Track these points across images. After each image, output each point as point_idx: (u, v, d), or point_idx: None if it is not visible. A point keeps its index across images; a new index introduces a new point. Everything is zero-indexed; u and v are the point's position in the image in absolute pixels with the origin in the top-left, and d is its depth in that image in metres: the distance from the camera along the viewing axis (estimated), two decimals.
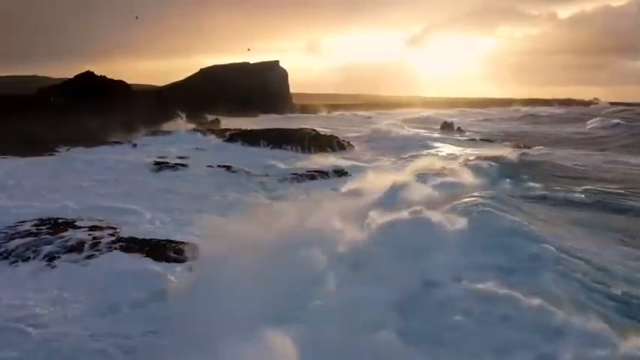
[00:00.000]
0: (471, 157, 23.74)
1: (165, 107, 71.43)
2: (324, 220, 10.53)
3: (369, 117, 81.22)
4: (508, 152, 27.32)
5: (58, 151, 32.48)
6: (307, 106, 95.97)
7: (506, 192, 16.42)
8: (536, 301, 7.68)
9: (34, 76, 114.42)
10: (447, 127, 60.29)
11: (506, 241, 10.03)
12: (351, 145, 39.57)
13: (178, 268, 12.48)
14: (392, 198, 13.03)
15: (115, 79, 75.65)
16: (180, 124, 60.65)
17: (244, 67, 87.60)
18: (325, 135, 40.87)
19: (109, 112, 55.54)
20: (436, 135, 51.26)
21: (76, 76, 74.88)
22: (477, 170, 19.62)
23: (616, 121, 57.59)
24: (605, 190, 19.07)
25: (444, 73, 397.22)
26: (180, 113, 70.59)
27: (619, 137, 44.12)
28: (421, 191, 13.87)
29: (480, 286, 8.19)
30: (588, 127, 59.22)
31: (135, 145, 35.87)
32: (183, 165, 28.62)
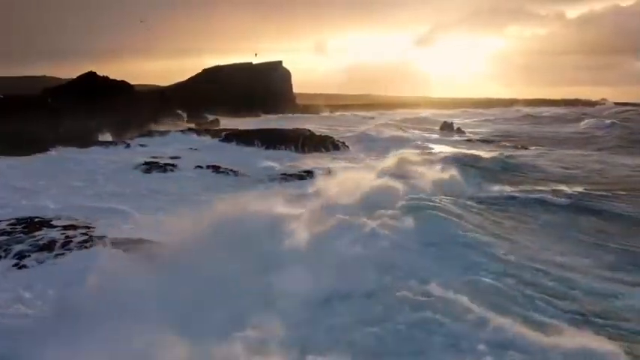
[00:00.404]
0: (450, 158, 23.65)
1: (167, 107, 71.91)
2: (255, 221, 10.62)
3: (372, 117, 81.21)
4: (495, 153, 27.26)
5: (50, 151, 32.64)
6: (310, 106, 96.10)
7: (469, 194, 16.36)
8: (448, 309, 7.61)
9: (44, 77, 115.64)
10: (446, 127, 60.18)
11: (445, 248, 9.95)
12: (346, 146, 39.57)
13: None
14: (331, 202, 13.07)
15: (118, 79, 76.21)
16: (180, 125, 61.18)
17: (247, 67, 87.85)
18: (320, 135, 40.95)
19: (108, 113, 55.89)
20: (434, 136, 51.22)
21: (79, 77, 75.55)
22: (450, 171, 19.53)
23: (609, 121, 57.40)
24: (584, 191, 18.97)
25: (452, 73, 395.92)
26: (181, 113, 71.04)
27: (608, 137, 44.09)
28: (372, 193, 13.83)
29: (397, 292, 8.13)
30: (582, 127, 59.18)
31: (128, 146, 36.02)
32: (172, 165, 28.77)
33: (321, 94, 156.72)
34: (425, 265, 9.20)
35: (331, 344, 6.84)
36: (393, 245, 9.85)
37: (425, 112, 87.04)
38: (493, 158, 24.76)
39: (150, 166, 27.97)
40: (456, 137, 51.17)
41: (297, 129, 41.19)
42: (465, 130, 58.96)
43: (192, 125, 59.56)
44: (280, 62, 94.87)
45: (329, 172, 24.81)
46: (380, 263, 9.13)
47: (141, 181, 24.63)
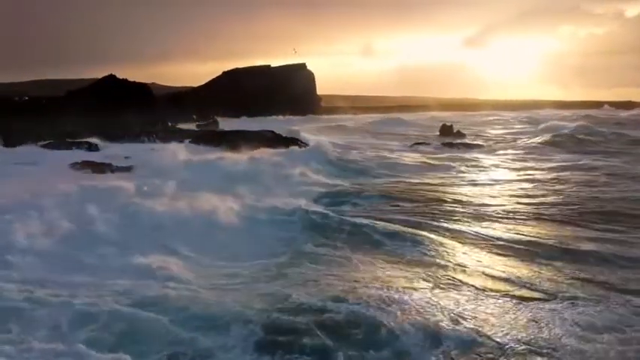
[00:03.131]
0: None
1: (179, 109, 74.24)
2: None
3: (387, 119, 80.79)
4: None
5: None
6: (334, 108, 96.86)
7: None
8: None
9: (94, 79, 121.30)
10: (445, 129, 59.12)
11: None
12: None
13: None
14: None
15: (138, 81, 79.24)
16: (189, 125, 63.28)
17: (265, 69, 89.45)
18: (285, 137, 41.42)
19: (108, 114, 58.23)
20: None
21: (100, 79, 79.07)
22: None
23: (579, 124, 55.43)
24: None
25: (504, 74, 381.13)
26: (193, 115, 73.20)
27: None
28: None
29: None
30: (539, 128, 57.71)
31: (90, 147, 37.55)
32: (107, 165, 30.06)
33: (363, 97, 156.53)
34: None
35: None
36: None
37: (444, 114, 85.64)
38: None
39: (81, 166, 29.42)
40: (445, 141, 50.13)
41: (262, 131, 41.90)
42: (466, 134, 57.92)
43: (193, 126, 61.46)
44: (303, 64, 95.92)
45: None
46: None
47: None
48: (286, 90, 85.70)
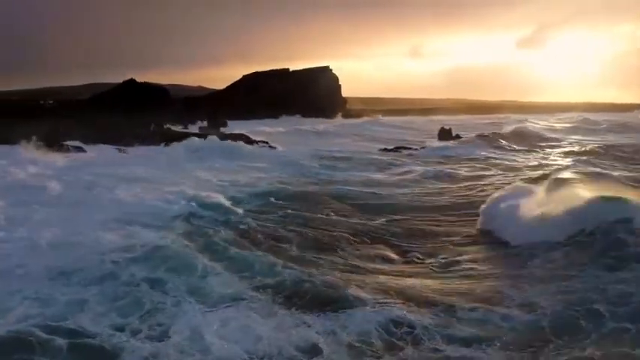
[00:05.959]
0: None
1: (194, 112, 76.14)
2: None
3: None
4: None
5: None
6: (357, 110, 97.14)
7: None
8: None
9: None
10: (444, 133, 58.26)
11: None
12: None
13: None
14: None
15: (154, 83, 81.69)
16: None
17: (285, 72, 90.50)
18: (253, 139, 42.41)
19: (115, 116, 60.43)
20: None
21: (121, 83, 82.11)
22: None
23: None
24: None
25: (558, 76, 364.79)
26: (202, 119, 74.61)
27: None
28: None
29: None
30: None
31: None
32: None
33: (403, 99, 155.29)
34: None
35: None
36: None
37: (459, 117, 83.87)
38: None
39: None
40: (435, 144, 49.48)
41: (238, 133, 42.99)
42: (464, 136, 56.94)
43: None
44: (327, 67, 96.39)
45: None
46: None
47: None
48: (306, 93, 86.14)
